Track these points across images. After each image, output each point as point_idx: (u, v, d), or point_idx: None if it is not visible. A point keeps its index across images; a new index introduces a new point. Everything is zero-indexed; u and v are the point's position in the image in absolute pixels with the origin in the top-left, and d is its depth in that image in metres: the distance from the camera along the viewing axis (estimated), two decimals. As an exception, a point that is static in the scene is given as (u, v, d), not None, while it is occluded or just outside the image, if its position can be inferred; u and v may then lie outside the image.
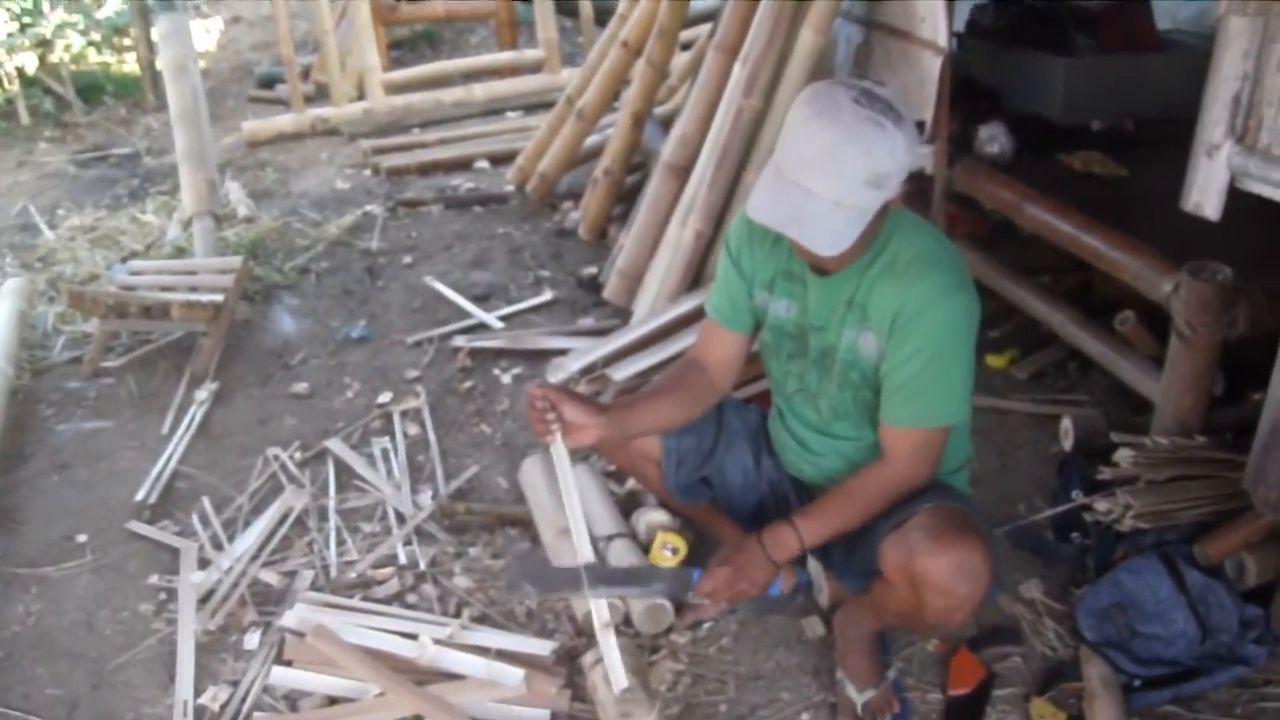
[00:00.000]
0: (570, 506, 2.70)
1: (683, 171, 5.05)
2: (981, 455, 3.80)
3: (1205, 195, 3.06)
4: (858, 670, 2.89)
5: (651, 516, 3.44)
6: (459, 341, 4.98)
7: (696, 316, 4.16)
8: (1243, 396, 3.71)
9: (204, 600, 3.42)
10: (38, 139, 8.81)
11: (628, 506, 3.59)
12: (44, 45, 9.21)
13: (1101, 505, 3.21)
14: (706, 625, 3.21)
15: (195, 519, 3.81)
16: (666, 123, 6.00)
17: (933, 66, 4.22)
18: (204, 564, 3.58)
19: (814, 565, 3.20)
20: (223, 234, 6.18)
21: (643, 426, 2.85)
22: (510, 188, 7.00)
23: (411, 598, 3.43)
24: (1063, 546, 3.41)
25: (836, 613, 3.04)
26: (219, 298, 4.88)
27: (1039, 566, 3.40)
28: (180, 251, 6.02)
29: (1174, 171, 3.20)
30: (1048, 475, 3.78)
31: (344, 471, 4.09)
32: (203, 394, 4.60)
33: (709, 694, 3.00)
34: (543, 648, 3.08)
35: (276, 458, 4.16)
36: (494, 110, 8.90)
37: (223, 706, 3.02)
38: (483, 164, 7.62)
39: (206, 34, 11.41)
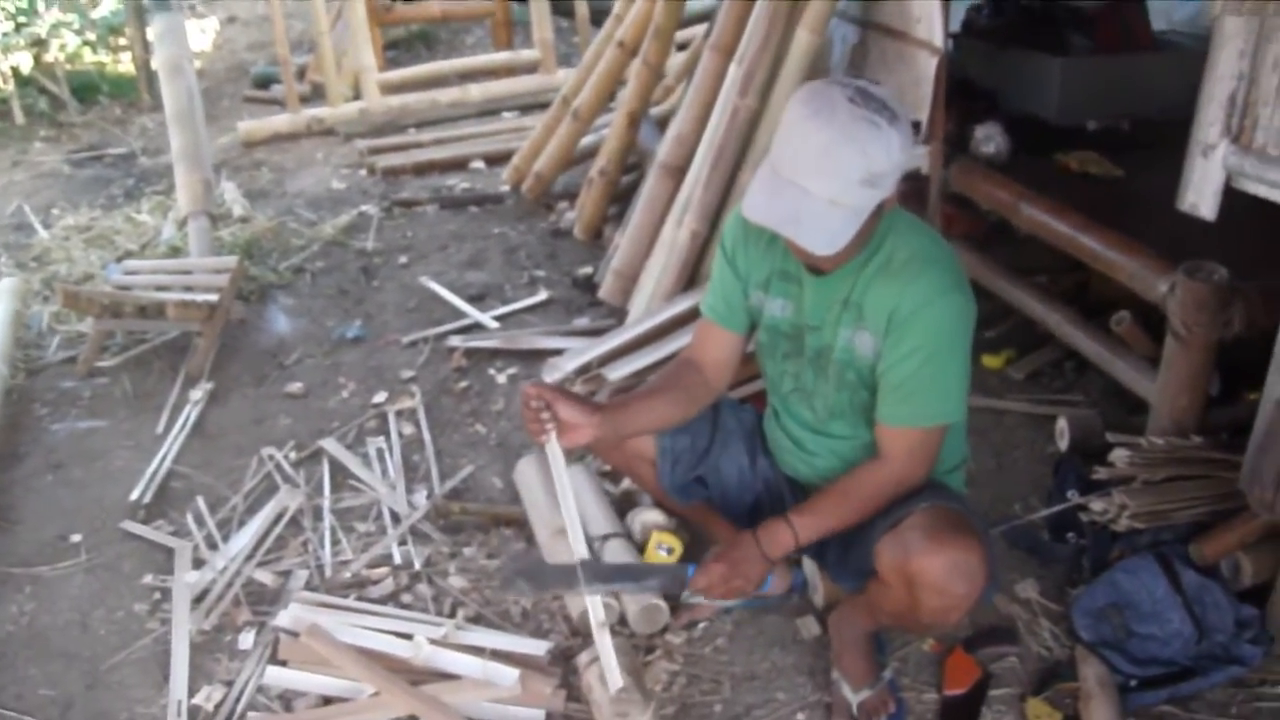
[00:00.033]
0: (565, 505, 2.70)
1: (678, 171, 5.05)
2: (977, 455, 3.80)
3: (1201, 195, 3.06)
4: (853, 670, 2.89)
5: (647, 516, 3.43)
6: (454, 341, 4.97)
7: (692, 317, 4.16)
8: (1238, 397, 3.71)
9: (198, 600, 3.41)
10: (33, 139, 8.79)
11: (623, 506, 3.59)
12: (39, 45, 9.19)
13: (1097, 505, 3.21)
14: (702, 625, 3.21)
15: (190, 519, 3.80)
16: (662, 123, 6.00)
17: (928, 66, 4.22)
18: (198, 564, 3.57)
19: (809, 565, 3.20)
20: (218, 234, 6.18)
21: (638, 426, 2.85)
22: (506, 188, 6.99)
23: (406, 598, 3.42)
24: (1058, 547, 3.41)
25: (832, 613, 3.04)
26: (214, 297, 4.87)
27: (1035, 567, 3.40)
28: (175, 251, 6.01)
29: (1170, 172, 3.20)
30: (1044, 475, 3.78)
31: (339, 471, 4.08)
32: (198, 394, 4.60)
33: (704, 694, 2.99)
34: (538, 648, 3.07)
35: (271, 457, 4.15)
36: (490, 110, 8.89)
37: (217, 706, 3.01)
38: (478, 164, 7.61)
39: (202, 34, 11.38)
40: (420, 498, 3.89)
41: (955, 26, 5.45)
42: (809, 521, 2.68)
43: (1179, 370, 3.41)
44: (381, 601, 3.38)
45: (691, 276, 4.72)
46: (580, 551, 2.71)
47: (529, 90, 9.01)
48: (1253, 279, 3.31)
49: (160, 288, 5.04)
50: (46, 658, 3.26)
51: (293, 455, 4.18)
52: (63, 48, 9.38)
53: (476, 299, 5.47)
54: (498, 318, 5.25)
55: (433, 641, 3.04)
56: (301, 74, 9.55)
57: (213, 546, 3.66)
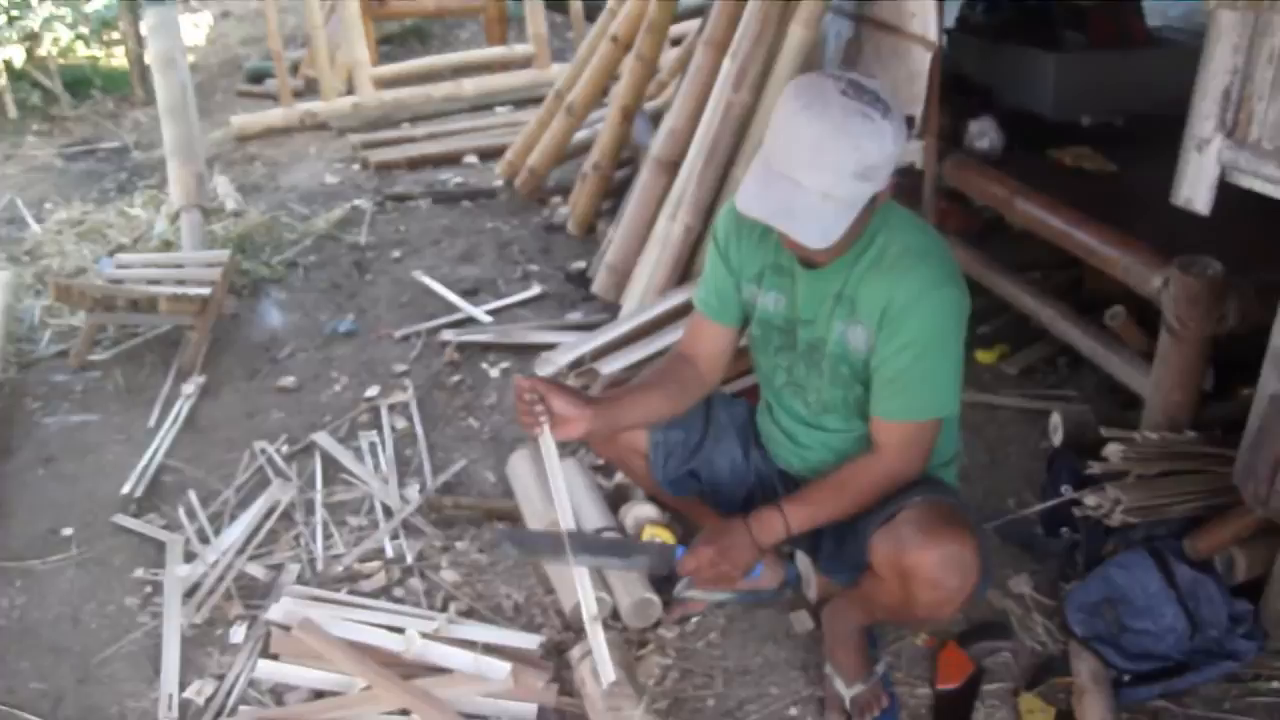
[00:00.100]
0: (558, 498, 2.70)
1: (672, 166, 5.05)
2: (971, 450, 3.80)
3: (1195, 190, 3.06)
4: (846, 665, 2.88)
5: (639, 510, 3.42)
6: (447, 336, 4.97)
7: (685, 311, 4.16)
8: (1232, 392, 3.71)
9: (190, 594, 3.40)
10: (25, 133, 8.78)
11: (616, 500, 3.58)
12: (32, 38, 9.17)
13: (1091, 500, 3.20)
14: (695, 620, 3.20)
15: (181, 512, 3.79)
16: (656, 118, 5.99)
17: (923, 61, 4.22)
18: (190, 557, 3.57)
19: (802, 559, 3.20)
20: (210, 228, 6.17)
21: (631, 419, 2.84)
22: (499, 182, 6.99)
23: (398, 591, 3.42)
24: (1052, 541, 3.40)
25: (825, 607, 3.03)
26: (206, 291, 4.87)
27: (1028, 561, 3.40)
28: (168, 245, 6.00)
29: (1164, 167, 3.19)
30: (1037, 470, 3.77)
31: (331, 465, 4.07)
32: (189, 387, 4.59)
33: (697, 688, 2.99)
34: (530, 642, 3.06)
35: (263, 451, 4.14)
36: (483, 105, 8.88)
37: (208, 700, 3.00)
38: (472, 159, 7.61)
39: (195, 28, 11.38)
40: (412, 492, 3.88)
41: (949, 22, 5.45)
42: (801, 511, 2.67)
43: (1173, 365, 3.41)
44: (373, 595, 3.38)
45: (685, 271, 4.72)
46: (568, 523, 2.71)
47: (523, 85, 9.00)
48: (1247, 274, 3.31)
49: (152, 282, 5.03)
50: (37, 652, 3.25)
51: (285, 449, 4.18)
52: (55, 41, 9.36)
53: (469, 293, 5.47)
54: (491, 312, 5.25)
55: (425, 636, 3.03)
56: (295, 68, 9.55)
57: (204, 540, 3.65)
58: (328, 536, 3.68)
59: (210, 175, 6.96)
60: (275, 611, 3.17)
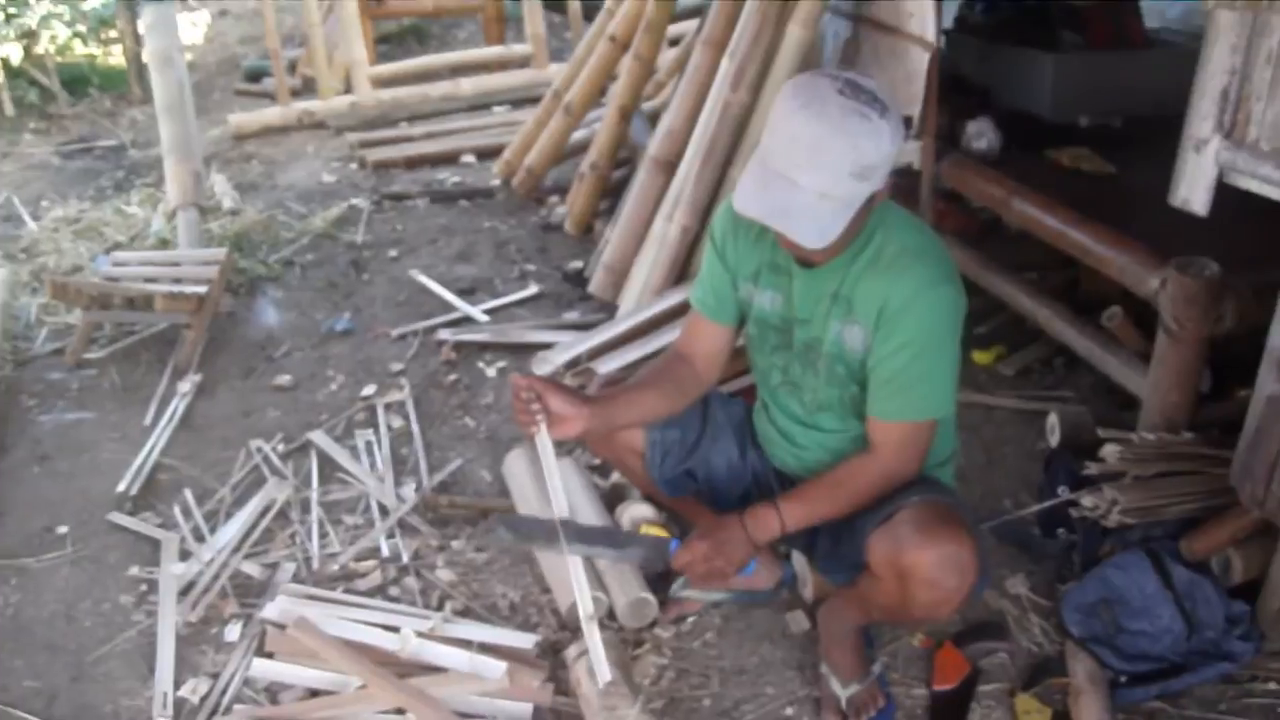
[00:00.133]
0: (554, 496, 2.69)
1: (669, 166, 5.05)
2: (968, 451, 3.80)
3: (1193, 190, 3.05)
4: (842, 665, 2.88)
5: (636, 510, 3.42)
6: (444, 335, 4.97)
7: (682, 311, 4.16)
8: (1229, 393, 3.71)
9: (184, 592, 3.40)
10: (22, 131, 8.78)
11: (612, 500, 3.58)
12: (29, 36, 9.16)
13: (1088, 501, 3.20)
14: (690, 619, 3.20)
15: (177, 511, 3.78)
16: (654, 118, 5.99)
17: (921, 62, 4.21)
18: (185, 556, 3.56)
19: (798, 559, 3.20)
20: (207, 226, 6.17)
21: (628, 418, 2.84)
22: (496, 182, 6.99)
23: (394, 590, 3.41)
24: (1049, 542, 3.40)
25: (821, 607, 3.03)
26: (203, 289, 4.86)
27: (1025, 562, 3.39)
28: (164, 243, 6.00)
29: (1161, 169, 3.19)
30: (1034, 471, 3.77)
31: (327, 464, 4.07)
32: (185, 386, 4.58)
33: (693, 688, 2.98)
34: (526, 641, 3.05)
35: (259, 450, 4.14)
36: (481, 105, 8.89)
37: (203, 699, 3.00)
38: (469, 158, 7.62)
39: (193, 27, 11.38)
40: (409, 490, 3.88)
41: (948, 22, 5.44)
42: (796, 509, 2.67)
43: (1170, 366, 3.41)
44: (369, 594, 3.37)
45: (682, 271, 4.72)
46: (561, 510, 2.71)
47: (520, 85, 9.01)
48: (1244, 274, 3.30)
49: (149, 280, 5.02)
50: (32, 649, 3.24)
51: (281, 448, 4.17)
52: (53, 40, 9.36)
53: (466, 293, 5.46)
54: (488, 311, 5.25)
55: (420, 634, 3.02)
56: (293, 67, 9.55)
57: (200, 539, 3.64)
58: (323, 535, 3.68)
59: (207, 174, 6.95)
60: (270, 610, 3.16)
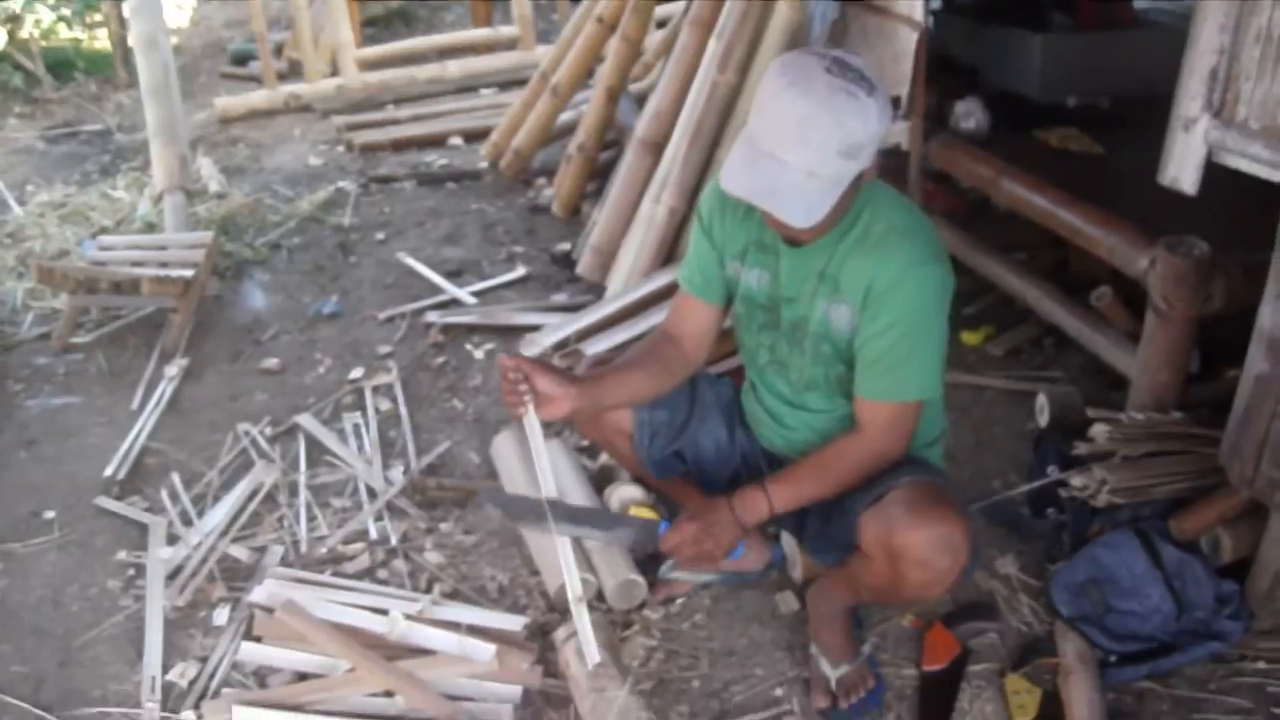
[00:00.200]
0: (541, 470, 2.69)
1: (656, 147, 5.04)
2: (957, 432, 3.79)
3: (1182, 169, 3.04)
4: (832, 645, 2.88)
5: (624, 491, 3.41)
6: (431, 317, 4.96)
7: (670, 292, 4.15)
8: (1218, 373, 3.71)
9: (172, 576, 3.39)
10: (7, 115, 8.73)
11: (600, 482, 3.57)
12: (13, 21, 9.13)
13: (1077, 481, 3.20)
14: (680, 601, 3.20)
15: (164, 495, 3.78)
16: (641, 100, 5.98)
17: (909, 42, 4.20)
18: (173, 540, 3.56)
19: (788, 540, 3.19)
20: (194, 210, 6.16)
21: (615, 398, 2.83)
22: (484, 164, 6.98)
23: (382, 573, 3.41)
24: (1038, 522, 3.40)
25: (810, 588, 3.03)
26: (189, 273, 4.85)
27: (1014, 542, 3.39)
28: (151, 227, 5.98)
29: (1150, 148, 3.17)
30: (1023, 451, 3.78)
31: (315, 447, 4.06)
32: (173, 370, 4.57)
33: (682, 669, 2.98)
34: (514, 623, 3.06)
35: (247, 433, 4.13)
36: (468, 87, 8.85)
37: (191, 683, 2.99)
38: (456, 140, 7.59)
39: (179, 10, 11.32)
40: (397, 473, 3.87)
41: (936, 2, 5.44)
42: (785, 490, 2.67)
43: (1159, 345, 3.40)
44: (357, 577, 3.37)
45: (669, 253, 4.71)
46: (549, 490, 2.70)
47: (508, 67, 8.98)
48: (1233, 254, 3.30)
49: (135, 264, 5.01)
50: (19, 635, 3.24)
51: (268, 431, 4.16)
52: (38, 24, 9.34)
53: (454, 275, 5.46)
54: (475, 294, 5.24)
55: (409, 617, 3.02)
56: (279, 51, 9.52)
57: (187, 523, 3.64)
58: (311, 518, 3.67)
59: (194, 157, 6.94)
60: (258, 594, 3.16)
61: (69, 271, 4.79)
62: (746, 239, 2.70)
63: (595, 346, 4.04)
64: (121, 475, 3.90)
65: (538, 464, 2.68)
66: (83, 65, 9.70)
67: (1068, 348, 4.26)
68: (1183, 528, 3.06)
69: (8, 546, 3.61)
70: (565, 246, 5.66)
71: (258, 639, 3.04)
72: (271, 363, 4.67)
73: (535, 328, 4.54)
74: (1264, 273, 2.76)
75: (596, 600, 3.14)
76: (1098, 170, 4.32)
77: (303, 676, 2.96)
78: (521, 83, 7.56)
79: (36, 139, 8.14)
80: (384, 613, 3.04)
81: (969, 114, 4.61)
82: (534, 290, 5.30)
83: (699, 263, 2.81)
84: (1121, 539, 3.07)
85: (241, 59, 9.80)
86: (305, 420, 4.19)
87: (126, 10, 8.00)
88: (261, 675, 3.01)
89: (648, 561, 3.17)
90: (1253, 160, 2.82)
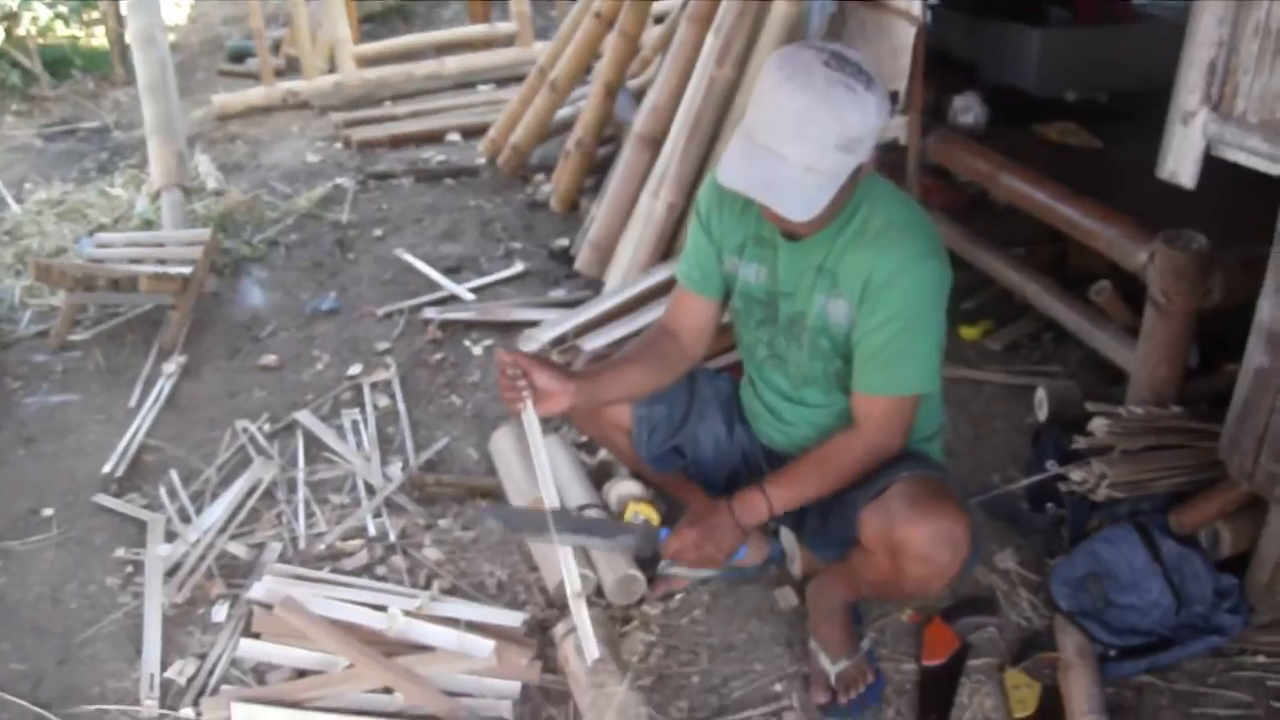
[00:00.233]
0: (541, 473, 2.68)
1: (655, 143, 5.04)
2: (956, 426, 3.79)
3: (1181, 163, 3.03)
4: (831, 640, 2.87)
5: (623, 487, 3.41)
6: (430, 313, 4.95)
7: (668, 288, 4.13)
8: (1217, 367, 3.70)
9: (171, 573, 3.39)
10: (4, 113, 8.74)
11: (599, 478, 3.57)
12: (10, 18, 9.12)
13: (1076, 475, 3.19)
14: (679, 596, 3.19)
15: (163, 492, 3.77)
16: (639, 95, 5.97)
17: (907, 36, 4.21)
18: (171, 537, 3.55)
19: (787, 536, 3.19)
20: (192, 207, 6.15)
21: (613, 393, 2.82)
22: (482, 160, 6.97)
23: (381, 570, 3.40)
24: (1037, 517, 3.40)
25: (810, 583, 3.02)
26: (187, 270, 4.85)
27: (1014, 537, 3.39)
28: (148, 225, 5.98)
29: (1149, 142, 3.17)
30: (1022, 446, 3.77)
31: (313, 444, 4.06)
32: (171, 367, 4.57)
33: (681, 665, 2.98)
34: (514, 619, 3.06)
35: (245, 430, 4.13)
36: (466, 84, 8.86)
37: (190, 680, 2.99)
38: (454, 137, 7.59)
39: (177, 7, 11.32)
40: (395, 470, 3.87)
41: (934, -3, 5.44)
42: (783, 490, 2.67)
43: (1158, 340, 3.40)
44: (356, 574, 3.37)
45: (668, 248, 4.71)
46: (551, 501, 2.69)
47: (506, 63, 8.99)
48: (1232, 247, 3.30)
49: (133, 261, 5.01)
50: (18, 632, 3.23)
51: (267, 428, 4.16)
52: (35, 21, 9.33)
53: (452, 271, 5.45)
54: (473, 290, 5.23)
55: (407, 613, 3.02)
56: (277, 47, 9.52)
57: (186, 519, 3.64)
58: (310, 515, 3.67)
59: (191, 154, 6.92)
60: (257, 590, 3.16)
61: (67, 269, 4.79)
62: (744, 234, 2.70)
63: (593, 342, 4.04)
64: (120, 472, 3.89)
65: (536, 459, 2.67)
66: (80, 62, 9.70)
67: (1066, 342, 4.26)
68: (1182, 522, 3.06)
69: (6, 544, 3.60)
70: (563, 242, 5.66)
71: (256, 636, 3.03)
72: (270, 359, 4.66)
73: (533, 324, 4.54)
74: (1263, 266, 2.75)
75: (595, 596, 3.14)
76: (1096, 165, 4.32)
77: (302, 673, 2.95)
78: (519, 79, 7.54)
79: (34, 136, 8.14)
80: (383, 609, 3.03)
81: (967, 109, 4.61)
82: (532, 286, 5.30)
83: (697, 257, 2.80)
84: (1121, 533, 3.07)
85: (239, 56, 9.80)
86: (303, 417, 4.19)
87: (123, 7, 8.01)
88: (260, 672, 3.00)
89: (646, 557, 3.17)
90: (1251, 153, 2.82)
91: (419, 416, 4.22)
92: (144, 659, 3.06)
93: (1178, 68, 2.99)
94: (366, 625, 3.00)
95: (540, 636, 3.04)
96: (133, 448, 4.03)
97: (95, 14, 9.95)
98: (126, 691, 2.99)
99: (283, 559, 3.45)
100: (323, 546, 3.50)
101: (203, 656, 3.07)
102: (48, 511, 3.75)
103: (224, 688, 2.95)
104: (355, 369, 4.55)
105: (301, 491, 3.77)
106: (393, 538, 3.52)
